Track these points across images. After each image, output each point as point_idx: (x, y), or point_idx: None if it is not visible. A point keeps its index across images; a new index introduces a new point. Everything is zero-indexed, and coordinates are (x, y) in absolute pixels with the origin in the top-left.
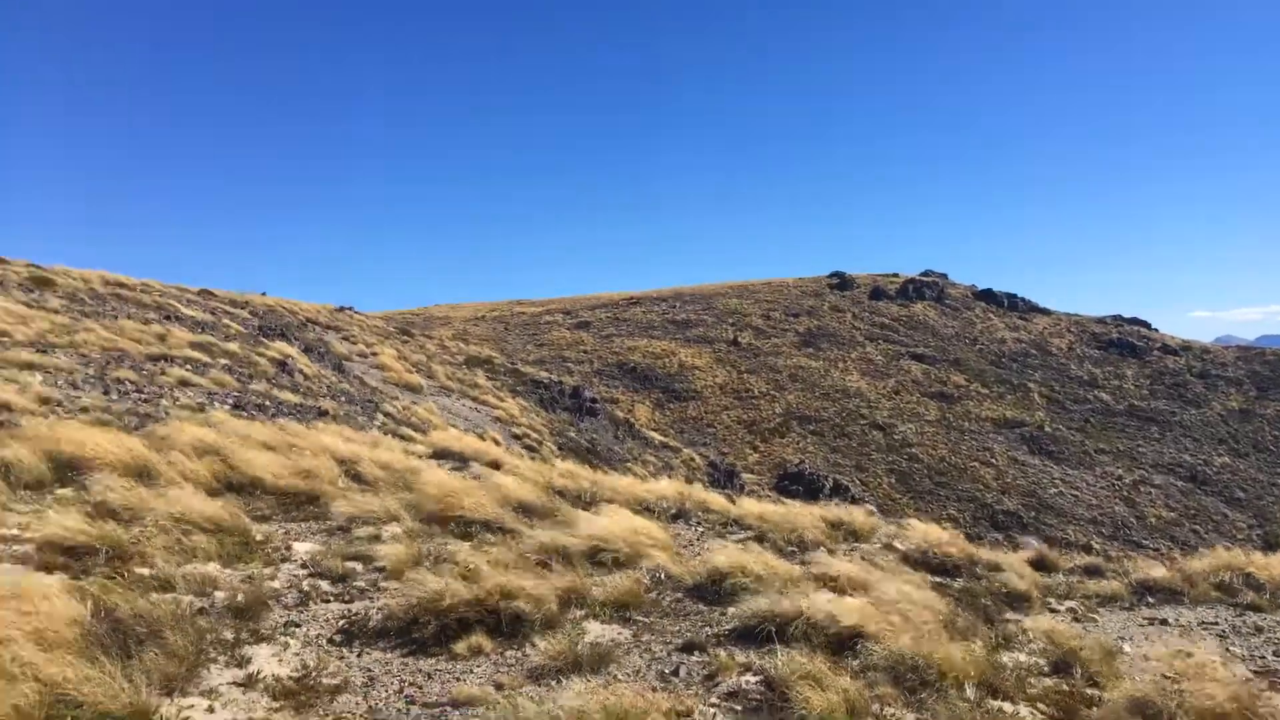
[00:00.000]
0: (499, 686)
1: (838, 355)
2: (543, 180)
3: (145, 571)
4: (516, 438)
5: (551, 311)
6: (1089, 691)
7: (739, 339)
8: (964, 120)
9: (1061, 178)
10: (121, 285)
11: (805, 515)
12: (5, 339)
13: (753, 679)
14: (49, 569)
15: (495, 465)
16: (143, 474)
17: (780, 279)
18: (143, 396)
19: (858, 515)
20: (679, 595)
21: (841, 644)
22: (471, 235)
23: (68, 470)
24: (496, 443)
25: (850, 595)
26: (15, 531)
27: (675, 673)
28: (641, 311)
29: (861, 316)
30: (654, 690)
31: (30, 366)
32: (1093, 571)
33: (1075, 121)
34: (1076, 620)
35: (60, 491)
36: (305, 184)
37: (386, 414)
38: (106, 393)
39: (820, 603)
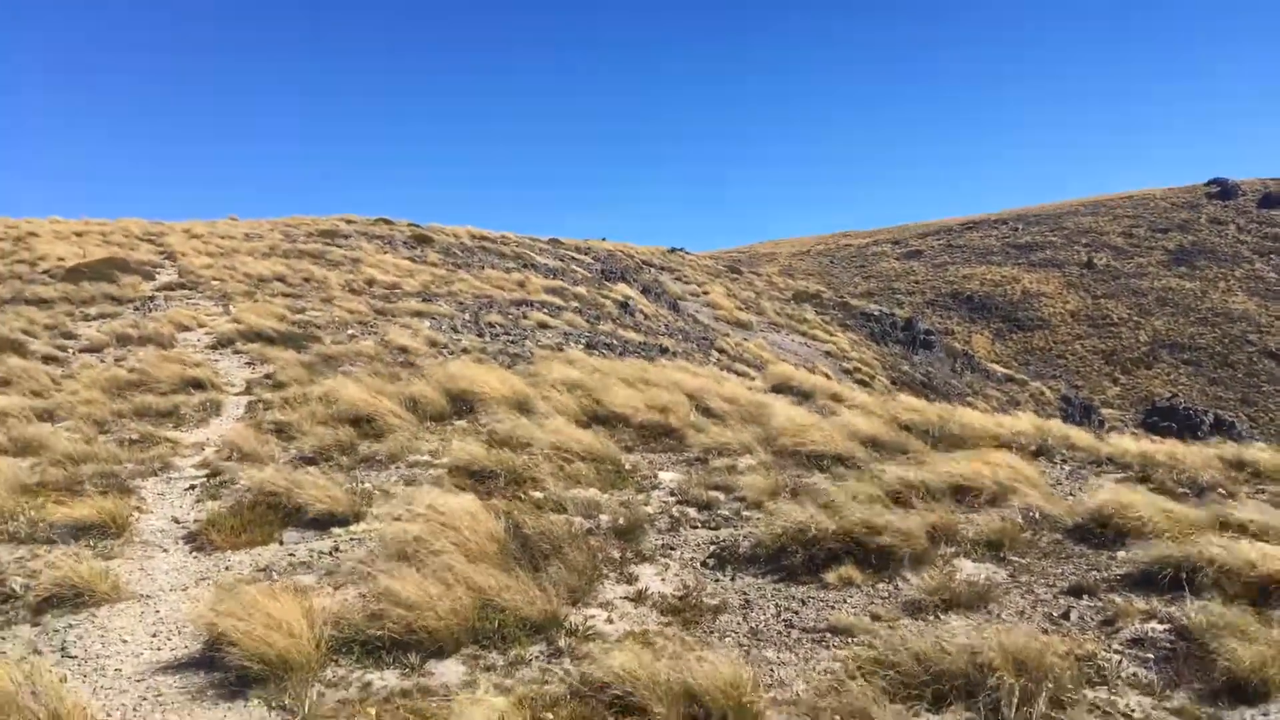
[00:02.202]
0: (875, 617)
1: (1218, 274)
2: (869, 105)
3: (538, 494)
4: (847, 372)
5: (879, 241)
6: None
7: (1094, 260)
8: None
9: None
10: (485, 238)
11: (1195, 454)
12: (398, 290)
13: (1159, 627)
14: (460, 490)
15: (835, 399)
16: (521, 407)
17: (1145, 190)
18: (510, 338)
19: (1263, 455)
20: (1057, 536)
21: (1263, 595)
22: (796, 168)
23: (460, 404)
24: (827, 377)
25: (1265, 542)
26: (427, 457)
27: (1065, 616)
28: (979, 236)
29: (1248, 229)
30: (1044, 632)
31: (419, 314)
32: None
33: None
34: None
35: (458, 423)
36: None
37: (720, 350)
38: (481, 335)
39: (1235, 548)
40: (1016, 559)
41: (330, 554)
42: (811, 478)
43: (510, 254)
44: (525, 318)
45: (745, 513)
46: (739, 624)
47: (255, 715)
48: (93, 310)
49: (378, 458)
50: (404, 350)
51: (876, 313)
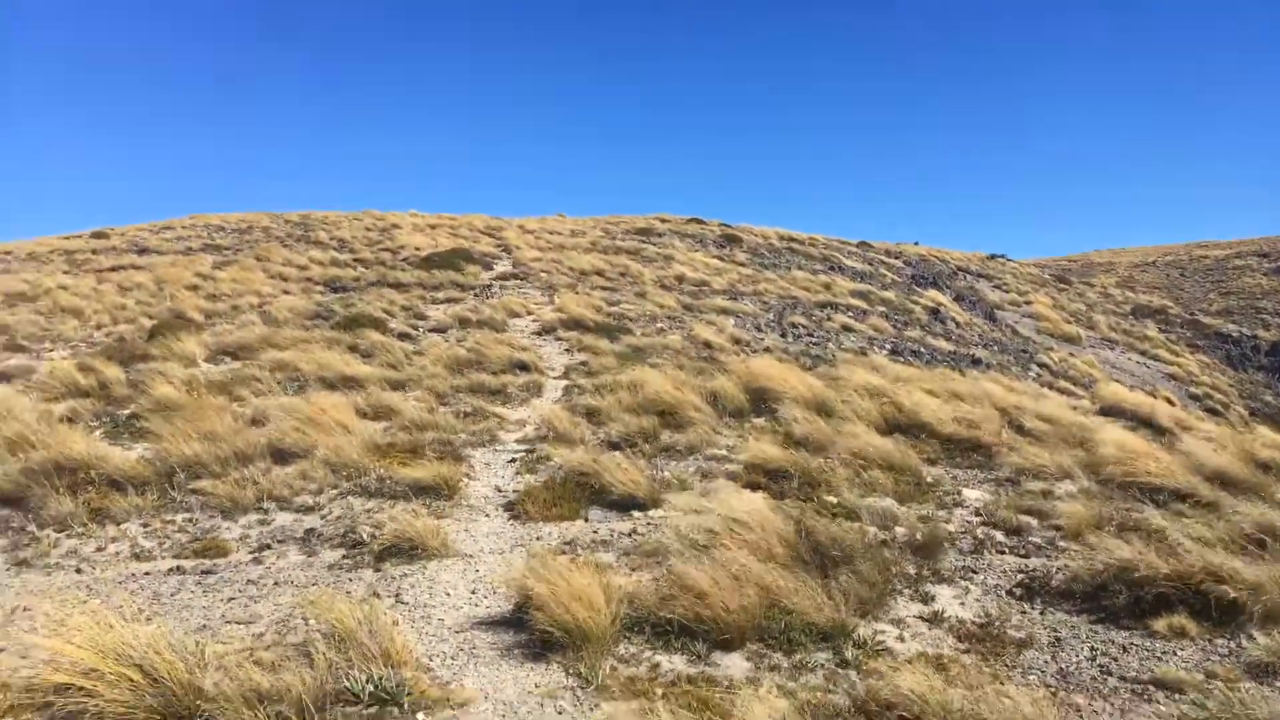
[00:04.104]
0: (1210, 675)
1: None
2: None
3: (832, 499)
4: (1195, 398)
5: (1242, 254)
6: None
7: None
8: None
9: None
10: (793, 239)
11: None
12: (706, 287)
13: None
14: (753, 487)
15: (1177, 427)
16: (820, 409)
17: None
18: (813, 339)
19: None
20: None
21: None
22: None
23: (759, 402)
24: (1170, 402)
25: None
26: (724, 452)
27: None
28: None
29: None
30: None
31: (724, 311)
32: None
33: None
34: None
35: (756, 420)
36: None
37: (1041, 365)
38: (783, 335)
39: None
40: None
41: (629, 535)
42: (1142, 512)
43: (817, 256)
44: (829, 320)
45: (1061, 543)
46: (1046, 663)
47: (554, 679)
48: (440, 295)
49: (677, 448)
50: (708, 346)
51: (1235, 334)
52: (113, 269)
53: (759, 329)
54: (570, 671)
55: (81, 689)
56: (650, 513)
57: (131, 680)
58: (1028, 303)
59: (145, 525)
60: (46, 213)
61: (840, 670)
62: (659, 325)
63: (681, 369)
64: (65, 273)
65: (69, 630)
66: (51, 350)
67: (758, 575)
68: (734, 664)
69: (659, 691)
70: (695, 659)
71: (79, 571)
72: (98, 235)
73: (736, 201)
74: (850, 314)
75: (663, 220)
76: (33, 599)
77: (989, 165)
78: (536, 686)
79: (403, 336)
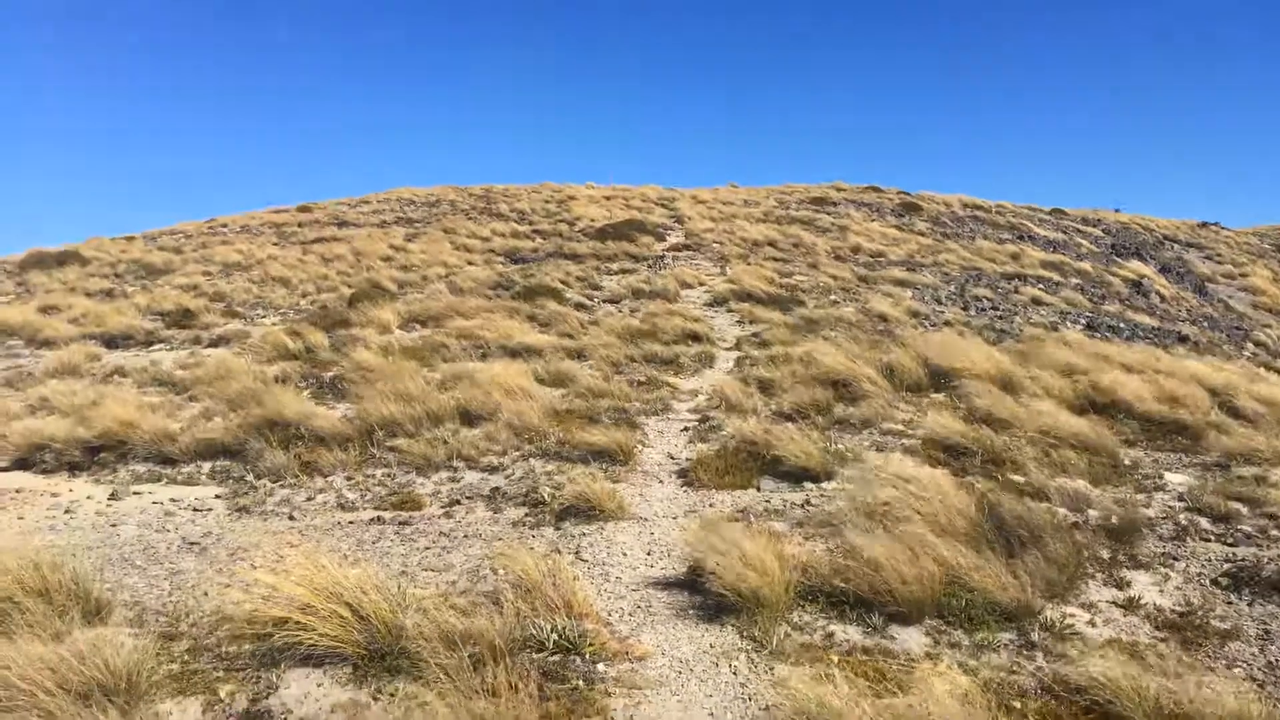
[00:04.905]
0: None
1: None
2: None
3: (1018, 478)
4: None
5: None
6: None
7: None
8: None
9: None
10: (978, 207)
11: None
12: (882, 258)
13: None
14: (932, 463)
15: None
16: (1005, 385)
17: None
18: (998, 313)
19: None
20: None
21: None
22: None
23: (939, 376)
24: None
25: None
26: (900, 426)
27: None
28: None
29: None
30: None
31: (901, 283)
32: None
33: None
34: None
35: (934, 395)
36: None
37: (1258, 343)
38: (965, 308)
39: None
40: None
41: (802, 506)
42: None
43: (1005, 224)
44: (1016, 292)
45: (1274, 532)
46: (1253, 655)
47: (729, 641)
48: (614, 266)
49: (851, 421)
50: (884, 318)
51: None
52: (316, 241)
53: (939, 301)
54: (744, 635)
55: (297, 623)
56: (823, 484)
57: (341, 616)
58: (1243, 275)
59: (349, 478)
60: (262, 185)
61: (1025, 651)
62: (832, 297)
63: (856, 342)
64: (274, 244)
65: (285, 570)
66: (264, 316)
67: (936, 550)
68: (911, 638)
69: (834, 659)
70: (871, 630)
71: (291, 518)
72: (303, 209)
73: (917, 169)
74: (1040, 286)
75: (838, 189)
76: (252, 541)
77: (1199, 124)
78: (711, 647)
79: (578, 306)
